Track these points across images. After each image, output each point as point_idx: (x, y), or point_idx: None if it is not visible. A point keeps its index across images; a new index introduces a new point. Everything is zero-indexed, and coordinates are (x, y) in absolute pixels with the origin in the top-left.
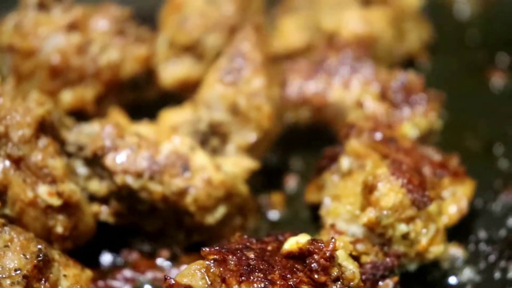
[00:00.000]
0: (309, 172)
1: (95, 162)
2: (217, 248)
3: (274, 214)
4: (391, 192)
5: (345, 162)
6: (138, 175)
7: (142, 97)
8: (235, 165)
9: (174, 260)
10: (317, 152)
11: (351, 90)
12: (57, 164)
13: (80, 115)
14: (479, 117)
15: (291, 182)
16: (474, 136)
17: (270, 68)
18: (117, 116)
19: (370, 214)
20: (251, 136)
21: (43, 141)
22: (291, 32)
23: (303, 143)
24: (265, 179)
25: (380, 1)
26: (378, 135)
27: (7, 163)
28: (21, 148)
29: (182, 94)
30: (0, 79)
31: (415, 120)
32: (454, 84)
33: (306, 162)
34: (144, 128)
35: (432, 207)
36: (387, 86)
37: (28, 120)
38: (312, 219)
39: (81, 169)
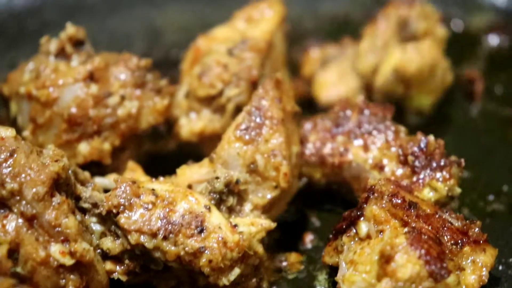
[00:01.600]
0: (326, 230)
1: (110, 220)
2: None
3: (291, 274)
4: (408, 264)
5: (363, 227)
6: (153, 235)
7: (161, 148)
8: (251, 225)
9: None
10: (334, 211)
11: (371, 152)
12: (70, 223)
13: (97, 164)
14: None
15: (308, 241)
16: (498, 200)
17: (289, 124)
18: (134, 170)
19: (386, 285)
20: (268, 196)
21: (57, 199)
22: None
23: (320, 201)
24: (282, 238)
25: (420, 36)
26: (398, 201)
27: (20, 221)
28: (34, 207)
29: (201, 146)
30: (14, 132)
31: (435, 185)
32: (479, 138)
33: (324, 220)
34: (160, 185)
35: (450, 279)
36: (407, 149)
37: (43, 178)
38: (329, 281)
39: (95, 226)
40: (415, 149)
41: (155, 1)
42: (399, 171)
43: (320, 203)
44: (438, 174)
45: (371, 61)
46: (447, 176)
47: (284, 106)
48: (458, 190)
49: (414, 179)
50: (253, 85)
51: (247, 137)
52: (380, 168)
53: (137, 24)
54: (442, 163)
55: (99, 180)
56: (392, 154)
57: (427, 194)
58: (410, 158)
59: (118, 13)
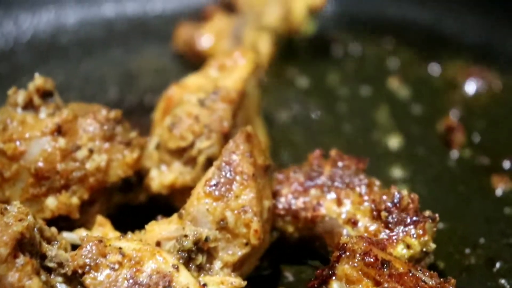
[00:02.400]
0: (299, 285)
1: (75, 280)
2: None
3: None
4: None
5: (335, 287)
6: None
7: (132, 200)
8: (221, 283)
9: None
10: (308, 264)
11: (344, 206)
12: (34, 285)
13: (65, 218)
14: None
15: None
16: (475, 253)
17: (261, 179)
18: (103, 225)
19: None
20: (238, 253)
21: (21, 260)
22: None
23: (293, 254)
24: None
25: None
26: (371, 259)
27: None
28: None
29: (172, 198)
30: None
31: (409, 242)
32: (455, 187)
33: (297, 274)
34: (128, 243)
35: None
36: (381, 204)
37: (5, 239)
38: None
39: (61, 286)
40: (389, 204)
41: (130, 44)
42: (372, 227)
43: (293, 257)
44: (412, 230)
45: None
46: (421, 232)
47: (255, 160)
48: (432, 246)
49: (388, 235)
50: (225, 137)
51: (217, 193)
52: (353, 223)
53: (112, 67)
54: (416, 219)
55: (67, 235)
56: (365, 209)
57: (401, 250)
58: (383, 213)
59: (92, 56)
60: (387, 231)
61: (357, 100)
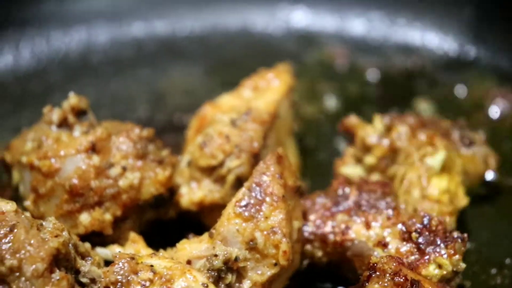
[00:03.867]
0: None
1: None
2: None
3: None
4: None
5: None
6: None
7: (162, 216)
8: None
9: None
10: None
11: (373, 229)
12: None
13: (98, 234)
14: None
15: None
16: (501, 273)
17: (291, 200)
18: (136, 242)
19: None
20: (267, 273)
21: (56, 275)
22: None
23: (321, 280)
24: None
25: None
26: (401, 279)
27: None
28: (33, 283)
29: (201, 214)
30: (15, 206)
31: (440, 262)
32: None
33: None
34: (159, 261)
35: None
36: (410, 226)
37: (42, 255)
38: None
39: None
40: (418, 225)
41: (159, 64)
42: (404, 248)
43: (321, 282)
44: (443, 251)
45: None
46: (452, 252)
47: (286, 182)
48: (463, 266)
49: (419, 255)
50: (255, 157)
51: (246, 214)
52: (384, 245)
53: (141, 86)
54: (446, 239)
55: (101, 251)
56: (395, 231)
57: (433, 270)
58: (414, 235)
59: (122, 76)
60: (419, 252)
61: None
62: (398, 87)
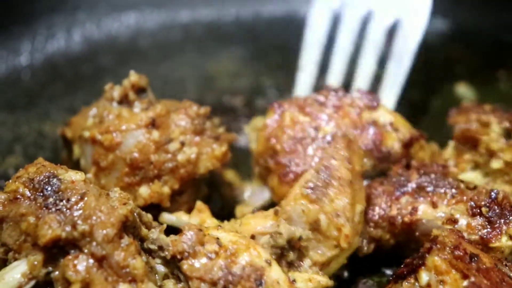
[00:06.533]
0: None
1: (173, 264)
2: None
3: None
4: None
5: (424, 276)
6: (213, 283)
7: (218, 192)
8: (309, 281)
9: None
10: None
11: (440, 208)
12: (137, 264)
13: (155, 207)
14: None
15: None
16: None
17: (357, 184)
18: (202, 211)
19: None
20: (328, 254)
21: (125, 241)
22: None
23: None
24: None
25: None
26: (460, 253)
27: (91, 261)
28: (104, 248)
29: None
30: (84, 176)
31: (511, 233)
32: None
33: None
34: (225, 234)
35: None
36: (479, 201)
37: (112, 221)
38: None
39: (159, 267)
40: (487, 200)
41: (205, 48)
42: (475, 223)
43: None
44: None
45: None
46: None
47: (353, 166)
48: None
49: (491, 229)
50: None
51: (313, 196)
52: (454, 221)
53: (189, 70)
54: None
55: (168, 217)
56: (462, 208)
57: (506, 242)
58: (484, 209)
59: (170, 59)
60: (490, 225)
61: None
62: (439, 71)
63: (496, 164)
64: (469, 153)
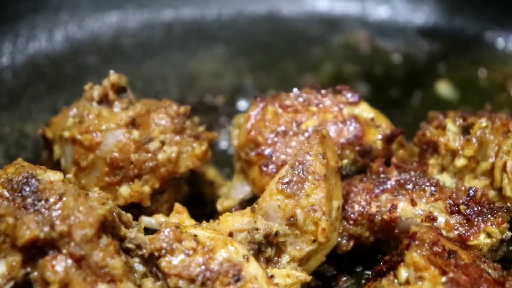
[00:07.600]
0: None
1: (151, 262)
2: None
3: None
4: None
5: (403, 273)
6: (191, 280)
7: (199, 191)
8: (287, 276)
9: None
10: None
11: (419, 206)
12: (116, 263)
13: (136, 206)
14: None
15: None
16: None
17: (332, 180)
18: (180, 213)
19: None
20: (306, 249)
21: (104, 241)
22: None
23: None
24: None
25: None
26: (439, 249)
27: (69, 261)
28: (83, 248)
29: None
30: (62, 176)
31: (489, 230)
32: None
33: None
34: (202, 231)
35: None
36: (457, 199)
37: (91, 221)
38: None
39: (138, 266)
40: (465, 198)
41: (188, 48)
42: (453, 220)
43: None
44: (491, 220)
45: None
46: (500, 220)
47: (328, 162)
48: (509, 234)
49: (469, 226)
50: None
51: (288, 190)
52: (432, 219)
53: (171, 69)
54: (492, 210)
55: (146, 219)
56: (441, 206)
57: (483, 239)
58: (462, 207)
59: (153, 58)
60: (468, 223)
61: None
62: (420, 69)
63: (459, 162)
64: (432, 157)
